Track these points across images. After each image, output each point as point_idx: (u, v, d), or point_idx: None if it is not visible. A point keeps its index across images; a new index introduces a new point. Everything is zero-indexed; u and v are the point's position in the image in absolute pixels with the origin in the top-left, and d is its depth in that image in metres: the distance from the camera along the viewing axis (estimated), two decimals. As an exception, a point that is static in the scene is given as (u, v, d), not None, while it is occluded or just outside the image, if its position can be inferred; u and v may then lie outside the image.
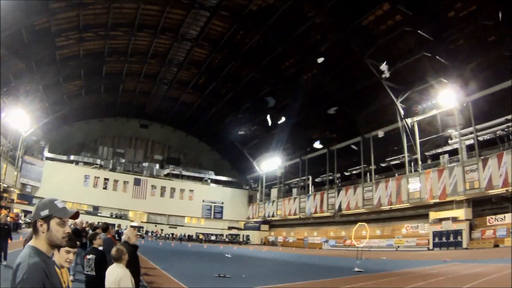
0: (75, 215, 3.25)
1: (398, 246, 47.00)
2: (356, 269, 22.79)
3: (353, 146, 55.20)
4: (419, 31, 40.10)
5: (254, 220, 75.95)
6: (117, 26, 49.42)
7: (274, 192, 72.78)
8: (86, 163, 70.07)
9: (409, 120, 48.27)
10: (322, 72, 51.89)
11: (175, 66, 60.83)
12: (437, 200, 43.62)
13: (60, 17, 43.86)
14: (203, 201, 76.75)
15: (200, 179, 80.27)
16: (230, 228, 75.57)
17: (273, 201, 71.52)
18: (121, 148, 79.12)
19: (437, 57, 41.58)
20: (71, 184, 61.67)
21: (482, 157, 39.91)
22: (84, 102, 68.06)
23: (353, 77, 50.98)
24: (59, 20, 44.24)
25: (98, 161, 71.62)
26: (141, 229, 64.69)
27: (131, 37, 52.42)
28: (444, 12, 39.27)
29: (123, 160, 75.08)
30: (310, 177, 65.08)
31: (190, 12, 47.94)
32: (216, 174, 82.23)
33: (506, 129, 40.92)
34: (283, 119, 55.97)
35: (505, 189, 37.06)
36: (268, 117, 54.98)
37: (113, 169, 71.63)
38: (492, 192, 38.48)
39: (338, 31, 45.52)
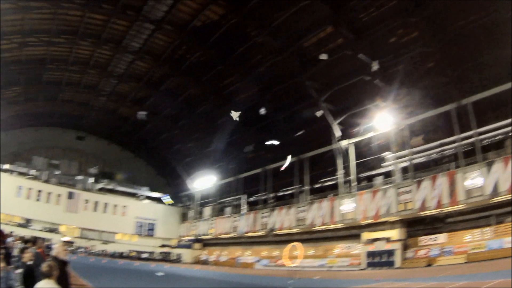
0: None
1: (331, 266, 45.91)
2: (289, 289, 21.51)
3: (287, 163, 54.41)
4: (359, 55, 39.94)
5: (187, 238, 73.28)
6: (61, 33, 47.52)
7: (207, 210, 70.81)
8: (20, 173, 65.64)
9: (345, 142, 47.86)
10: (260, 91, 50.82)
11: (115, 78, 58.79)
12: (371, 221, 43.01)
13: (5, 19, 41.48)
14: (136, 217, 73.75)
15: (133, 195, 77.22)
16: (162, 245, 72.71)
17: (206, 219, 69.45)
18: (56, 159, 75.15)
19: (376, 81, 41.55)
20: (3, 195, 57.63)
21: (416, 179, 39.73)
22: (22, 110, 64.80)
23: (291, 98, 50.47)
24: (4, 22, 41.84)
25: (32, 172, 67.45)
26: (73, 244, 61.16)
27: (74, 46, 50.38)
28: (386, 38, 39.38)
29: (58, 172, 71.21)
30: (244, 196, 63.29)
31: (135, 24, 46.32)
32: (150, 190, 79.42)
33: (440, 153, 41.15)
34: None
35: (439, 210, 37.19)
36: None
37: (47, 181, 67.66)
38: (426, 213, 38.44)
39: (279, 52, 44.90)
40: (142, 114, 50.83)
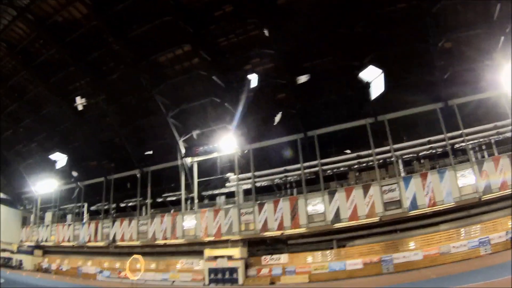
0: None
1: (174, 281, 41.78)
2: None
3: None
4: (213, 77, 37.20)
5: (28, 244, 63.30)
6: None
7: (48, 216, 62.30)
8: None
9: (189, 160, 43.95)
10: (108, 100, 45.54)
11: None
12: (212, 239, 39.83)
13: None
14: (-29, 216, 61.59)
15: (-31, 192, 64.83)
16: (2, 250, 61.43)
17: (47, 225, 60.77)
18: None
19: (225, 104, 38.97)
20: None
21: (258, 202, 37.49)
22: None
23: (139, 111, 45.48)
24: None
25: None
26: None
27: None
28: (241, 64, 36.82)
29: None
30: (86, 205, 56.59)
31: None
32: (-12, 189, 67.25)
33: (283, 178, 39.38)
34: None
35: (280, 232, 35.30)
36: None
37: None
38: (267, 234, 36.29)
39: (132, 63, 40.31)
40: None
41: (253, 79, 36.08)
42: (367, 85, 32.54)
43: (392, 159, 33.46)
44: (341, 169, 36.59)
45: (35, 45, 43.98)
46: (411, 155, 33.96)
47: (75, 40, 40.64)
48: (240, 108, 37.83)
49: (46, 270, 57.26)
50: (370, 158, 34.22)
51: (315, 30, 31.46)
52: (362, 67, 31.73)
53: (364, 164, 35.46)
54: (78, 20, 38.66)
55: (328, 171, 36.76)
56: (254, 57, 36.05)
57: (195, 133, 43.45)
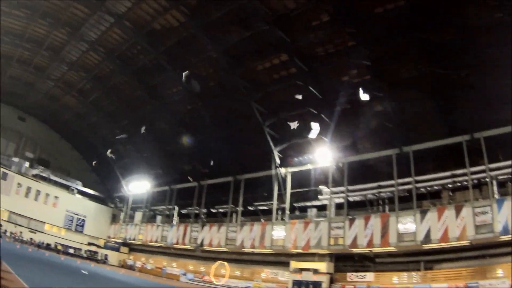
0: None
1: None
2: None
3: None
4: (310, 87, 39.24)
5: (115, 240, 69.76)
6: (20, 7, 44.67)
7: (138, 215, 67.66)
8: None
9: (283, 170, 46.61)
10: (204, 105, 49.01)
11: (66, 64, 55.43)
12: (300, 251, 41.78)
13: None
14: (66, 210, 68.95)
15: (66, 187, 72.34)
16: (90, 244, 68.78)
17: (136, 224, 66.34)
18: (-7, 135, 69.44)
19: (322, 115, 40.80)
20: None
21: (350, 217, 39.01)
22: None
23: (236, 117, 48.83)
24: None
25: None
26: (0, 228, 56.46)
27: (31, 22, 47.45)
28: (338, 75, 38.77)
29: (-6, 150, 66.01)
30: (176, 207, 61.25)
31: (95, 14, 43.83)
32: (83, 186, 74.96)
33: (376, 194, 40.66)
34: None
35: (369, 249, 36.57)
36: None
37: (-19, 157, 62.40)
38: (356, 250, 37.68)
39: (230, 70, 43.40)
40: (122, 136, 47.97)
41: (350, 91, 37.23)
42: (464, 99, 33.25)
43: (486, 179, 33.17)
44: (435, 187, 37.03)
45: (133, 51, 48.21)
46: (507, 176, 33.18)
47: (173, 47, 44.18)
48: (336, 120, 39.49)
49: (131, 267, 62.24)
50: (465, 178, 34.26)
51: (413, 40, 32.19)
52: (460, 80, 32.12)
53: (458, 184, 35.58)
54: (175, 27, 41.92)
55: (422, 189, 37.25)
56: (352, 68, 37.43)
57: (290, 143, 45.49)
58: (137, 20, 43.20)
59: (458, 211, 32.13)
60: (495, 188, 32.98)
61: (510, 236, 29.36)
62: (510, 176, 32.90)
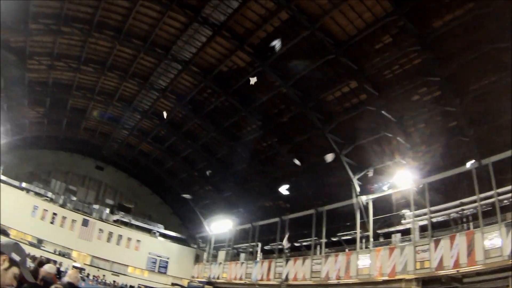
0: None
1: None
2: None
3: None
4: (382, 112, 40.37)
5: (199, 279, 72.27)
6: (89, 62, 49.04)
7: (221, 254, 70.03)
8: (36, 194, 65.36)
9: (364, 198, 47.70)
10: (280, 141, 51.16)
11: (138, 113, 60.09)
12: (386, 278, 42.39)
13: (36, 39, 43.51)
14: (149, 253, 73.12)
15: (148, 231, 76.66)
16: (173, 284, 72.02)
17: (220, 263, 68.79)
18: (73, 185, 75.12)
19: (397, 138, 42.01)
20: (18, 212, 57.78)
21: (434, 238, 39.39)
22: (44, 131, 66.21)
23: (312, 150, 50.77)
24: (35, 42, 43.98)
25: (49, 194, 67.11)
26: (83, 272, 60.62)
27: (101, 76, 51.82)
28: (408, 95, 39.91)
29: (74, 198, 71.05)
30: (259, 244, 63.07)
31: (162, 62, 47.75)
32: (165, 228, 79.04)
33: (459, 212, 40.90)
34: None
35: (456, 270, 36.53)
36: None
37: (63, 205, 67.31)
38: (442, 272, 37.68)
39: (302, 104, 45.35)
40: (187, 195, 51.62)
41: (422, 110, 38.94)
42: None
43: None
44: None
45: (204, 95, 51.46)
46: None
47: (242, 86, 46.60)
48: (412, 141, 40.92)
49: (215, 306, 64.43)
50: None
51: (475, 48, 32.54)
52: None
53: None
54: (242, 67, 44.85)
55: (505, 201, 36.86)
56: (421, 87, 38.29)
57: (369, 171, 46.58)
58: (203, 65, 46.35)
59: None
60: None
61: None
62: None
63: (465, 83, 36.34)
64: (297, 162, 50.92)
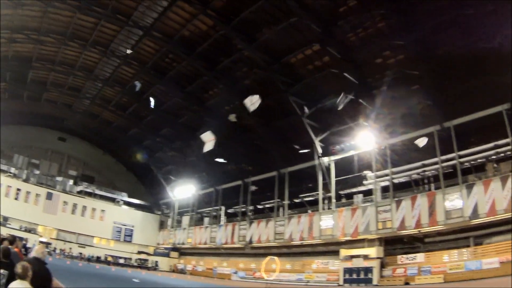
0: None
1: (308, 281, 45.34)
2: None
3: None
4: (345, 74, 39.71)
5: (164, 246, 72.08)
6: (50, 32, 47.20)
7: (185, 219, 69.58)
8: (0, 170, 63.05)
9: (326, 159, 47.32)
10: (243, 105, 49.96)
11: (100, 81, 58.39)
12: (349, 238, 42.61)
13: None
14: (114, 222, 71.70)
15: (112, 200, 75.04)
16: (139, 252, 71.18)
17: (184, 228, 68.31)
18: (36, 158, 72.50)
19: (359, 100, 41.47)
20: None
21: (396, 199, 39.54)
22: (6, 107, 62.84)
23: (275, 113, 50.02)
24: None
25: (12, 170, 65.06)
26: (50, 246, 59.43)
27: (62, 46, 50.07)
28: (372, 59, 39.39)
29: (38, 172, 68.75)
30: (223, 208, 62.49)
31: (124, 29, 46.06)
32: (129, 196, 77.56)
33: (421, 173, 40.92)
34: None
35: (418, 230, 37.02)
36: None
37: (26, 180, 65.14)
38: (404, 232, 38.26)
39: (265, 67, 44.43)
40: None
41: (385, 73, 38.34)
42: (502, 69, 32.37)
43: None
44: (479, 160, 36.88)
45: (165, 60, 50.23)
46: None
47: (205, 51, 45.57)
48: (375, 103, 40.12)
49: (182, 271, 63.90)
50: (508, 148, 34.00)
51: (444, 14, 31.96)
52: (496, 49, 31.41)
53: (502, 154, 35.30)
54: (205, 31, 43.41)
55: (466, 164, 37.24)
56: (385, 50, 37.76)
57: (331, 132, 46.28)
58: (166, 30, 44.89)
59: (504, 182, 32.11)
60: (540, 155, 32.76)
61: None
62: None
63: (429, 48, 35.82)
64: (260, 124, 50.59)
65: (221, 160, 55.97)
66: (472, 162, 37.56)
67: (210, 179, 65.12)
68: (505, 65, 31.44)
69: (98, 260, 64.69)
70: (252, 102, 37.50)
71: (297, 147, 49.11)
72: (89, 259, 63.04)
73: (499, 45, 31.32)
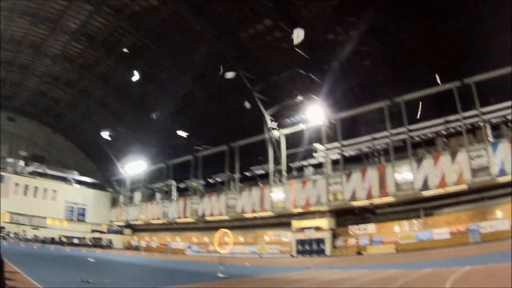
0: None
1: (262, 253, 45.49)
2: (220, 275, 20.14)
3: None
4: (296, 49, 38.92)
5: (117, 223, 70.57)
6: None
7: (137, 195, 68.55)
8: None
9: (276, 132, 47.31)
10: (193, 80, 49.17)
11: (49, 58, 55.66)
12: (301, 210, 42.79)
13: None
14: (66, 202, 69.56)
15: (64, 179, 72.74)
16: (93, 231, 69.63)
17: (136, 205, 67.29)
18: (-15, 140, 69.25)
19: (311, 75, 41.34)
20: None
21: (346, 171, 39.94)
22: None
23: (225, 87, 48.75)
24: None
25: None
26: (3, 230, 57.30)
27: (10, 22, 47.31)
28: (323, 34, 39.09)
29: (-13, 154, 65.75)
30: (174, 183, 61.89)
31: (73, 4, 44.05)
32: (80, 175, 75.16)
33: (371, 146, 41.34)
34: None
35: (368, 201, 37.71)
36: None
37: (-25, 163, 62.17)
38: (356, 203, 38.78)
39: (216, 41, 43.76)
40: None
41: (337, 49, 38.02)
42: (453, 47, 33.44)
43: (479, 123, 33.94)
44: (429, 135, 37.55)
45: (115, 35, 48.51)
46: (500, 119, 34.10)
47: (156, 26, 44.68)
48: (325, 78, 39.85)
49: (136, 248, 62.91)
50: (458, 123, 34.90)
51: None
52: (448, 29, 32.28)
53: (452, 130, 36.09)
54: (155, 7, 42.15)
55: (416, 138, 37.82)
56: (337, 26, 37.66)
57: (281, 106, 46.11)
58: (115, 5, 43.36)
59: (453, 156, 33.05)
60: (488, 131, 33.81)
61: (507, 177, 30.21)
62: (503, 119, 33.81)
63: (382, 25, 35.70)
64: (209, 98, 50.08)
65: (171, 134, 54.94)
66: (422, 137, 38.03)
67: (160, 154, 64.04)
68: (457, 43, 32.60)
69: (52, 241, 62.61)
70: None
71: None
72: (43, 241, 60.94)
73: (452, 24, 31.90)
